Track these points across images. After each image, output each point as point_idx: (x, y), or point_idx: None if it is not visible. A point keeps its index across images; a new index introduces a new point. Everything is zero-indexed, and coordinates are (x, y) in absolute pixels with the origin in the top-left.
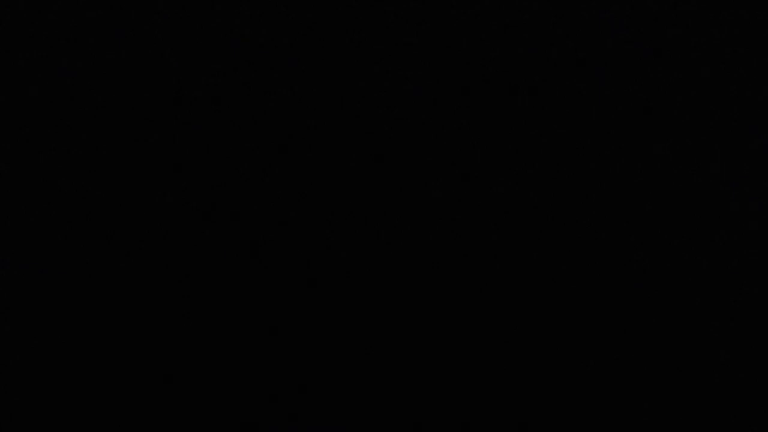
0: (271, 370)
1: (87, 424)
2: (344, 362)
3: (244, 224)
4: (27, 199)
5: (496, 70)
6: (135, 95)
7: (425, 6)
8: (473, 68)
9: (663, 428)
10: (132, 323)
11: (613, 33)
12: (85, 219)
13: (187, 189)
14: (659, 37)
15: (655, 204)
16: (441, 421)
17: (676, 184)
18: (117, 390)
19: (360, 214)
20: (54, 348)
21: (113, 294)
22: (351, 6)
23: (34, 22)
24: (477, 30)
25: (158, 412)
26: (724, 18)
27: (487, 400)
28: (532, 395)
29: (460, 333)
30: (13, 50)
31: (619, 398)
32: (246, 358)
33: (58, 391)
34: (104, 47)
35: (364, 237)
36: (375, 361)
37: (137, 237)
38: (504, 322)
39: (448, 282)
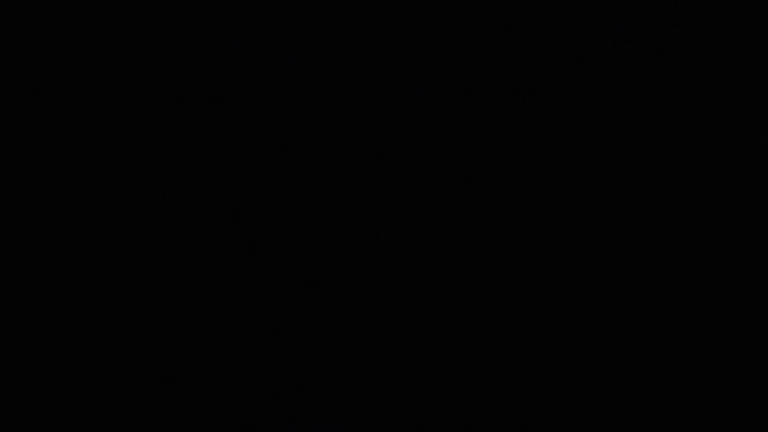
0: (271, 370)
1: (87, 424)
2: (344, 362)
3: (244, 224)
4: (27, 199)
5: (496, 70)
6: (135, 95)
7: (425, 6)
8: (473, 68)
9: (663, 428)
10: (132, 323)
11: (613, 33)
12: (85, 219)
13: (187, 189)
14: (659, 37)
15: (655, 204)
16: (441, 421)
17: (676, 184)
18: (117, 390)
19: (360, 214)
20: (54, 348)
21: (113, 294)
22: (351, 6)
23: (34, 22)
24: (477, 30)
25: (158, 412)
26: (724, 18)
27: (487, 400)
28: (532, 395)
29: (460, 333)
30: (13, 50)
31: (619, 398)
32: (246, 358)
33: (58, 391)
34: (104, 47)
35: (364, 237)
36: (375, 361)
37: (137, 237)
38: (504, 322)
39: (448, 282)
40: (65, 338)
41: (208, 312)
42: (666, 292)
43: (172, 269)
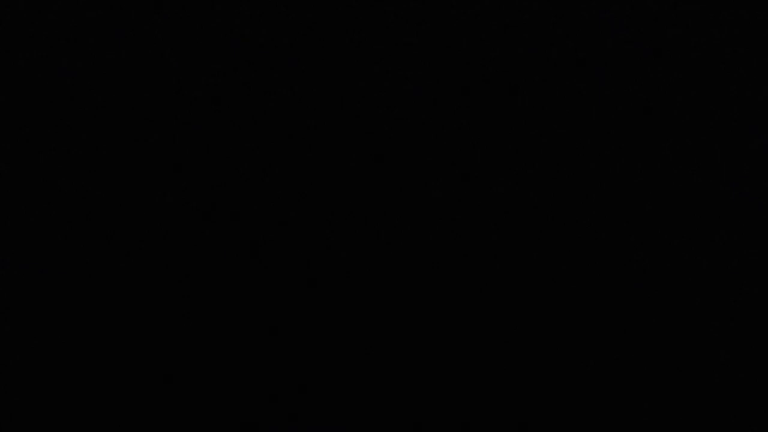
0: (271, 370)
1: (87, 424)
2: (344, 362)
3: (244, 224)
4: (27, 199)
5: (496, 70)
6: (135, 95)
7: (425, 6)
8: (473, 68)
9: (663, 428)
10: (132, 323)
11: (613, 33)
12: (85, 219)
13: (187, 189)
14: (659, 37)
15: (655, 204)
16: (441, 421)
17: (676, 184)
18: (117, 390)
19: (360, 214)
20: (54, 348)
21: (113, 294)
22: (351, 6)
23: (34, 22)
24: (477, 30)
25: (158, 412)
26: (724, 18)
27: (487, 400)
28: (532, 395)
29: (460, 333)
30: (13, 50)
31: (619, 398)
32: (246, 358)
33: (58, 391)
34: (104, 47)
35: (364, 237)
36: (375, 361)
37: (137, 237)
38: (504, 322)
39: (448, 282)
40: (65, 338)
41: (208, 312)
42: (666, 292)
43: (172, 269)
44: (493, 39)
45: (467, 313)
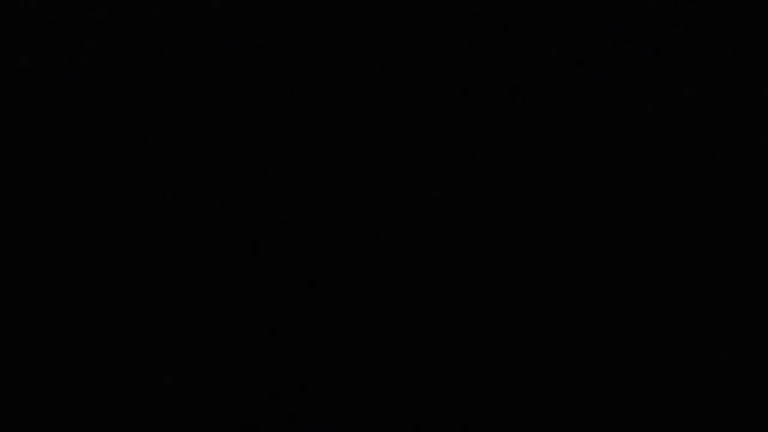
0: (271, 370)
1: (87, 424)
2: (344, 362)
3: (244, 224)
4: (27, 199)
5: (496, 70)
6: (135, 95)
7: (425, 6)
8: (473, 68)
9: (663, 428)
10: (132, 323)
11: (613, 33)
12: (85, 219)
13: (187, 189)
14: (659, 37)
15: (655, 204)
16: (441, 421)
17: (676, 184)
18: (117, 390)
19: (360, 214)
20: (54, 348)
21: (113, 294)
22: (351, 6)
23: (34, 22)
24: (477, 30)
25: (158, 412)
26: (724, 18)
27: (487, 400)
28: (532, 395)
29: (460, 333)
30: (13, 50)
31: (619, 398)
32: (246, 358)
33: (58, 391)
34: (104, 47)
35: (364, 237)
36: (375, 361)
37: (137, 237)
38: (504, 322)
39: (448, 282)
40: (65, 338)
41: (208, 312)
42: (666, 292)
43: (172, 269)
44: (493, 39)
45: (467, 313)
